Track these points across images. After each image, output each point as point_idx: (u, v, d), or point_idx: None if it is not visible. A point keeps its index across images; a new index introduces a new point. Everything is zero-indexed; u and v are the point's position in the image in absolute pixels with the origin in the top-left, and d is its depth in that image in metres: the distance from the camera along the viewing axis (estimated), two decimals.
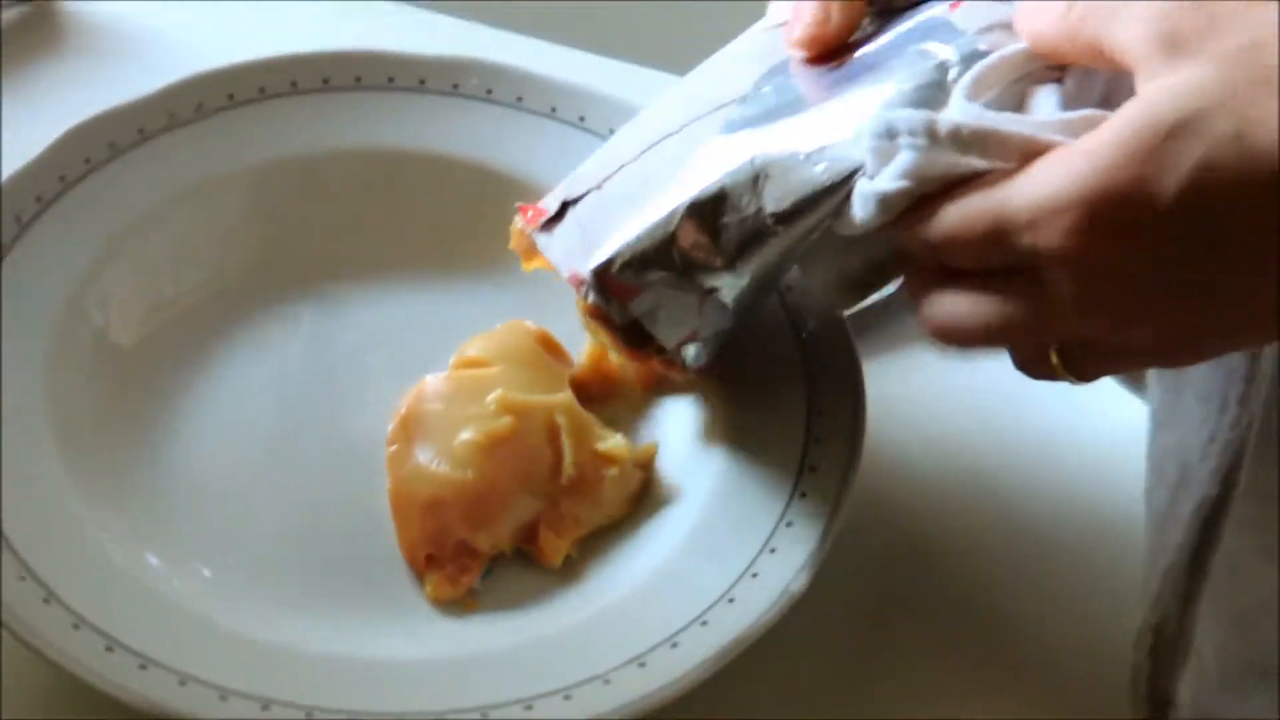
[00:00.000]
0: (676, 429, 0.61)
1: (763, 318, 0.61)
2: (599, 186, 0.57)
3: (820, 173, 0.51)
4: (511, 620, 0.56)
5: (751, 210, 0.52)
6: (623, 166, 0.57)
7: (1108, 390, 0.67)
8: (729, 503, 0.57)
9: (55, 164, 0.62)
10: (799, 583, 0.53)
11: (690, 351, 0.56)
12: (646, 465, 0.59)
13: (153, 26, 0.80)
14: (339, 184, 0.66)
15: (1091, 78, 0.50)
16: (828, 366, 0.60)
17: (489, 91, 0.68)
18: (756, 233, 0.52)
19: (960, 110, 0.48)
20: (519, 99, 0.68)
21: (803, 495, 0.56)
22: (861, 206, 0.49)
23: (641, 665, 0.51)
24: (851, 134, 0.51)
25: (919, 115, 0.47)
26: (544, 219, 0.57)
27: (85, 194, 0.62)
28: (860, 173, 0.50)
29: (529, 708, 0.50)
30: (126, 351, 0.61)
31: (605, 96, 0.68)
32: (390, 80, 0.68)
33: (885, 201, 0.48)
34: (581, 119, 0.67)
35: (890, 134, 0.48)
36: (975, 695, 0.59)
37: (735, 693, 0.56)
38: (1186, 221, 0.41)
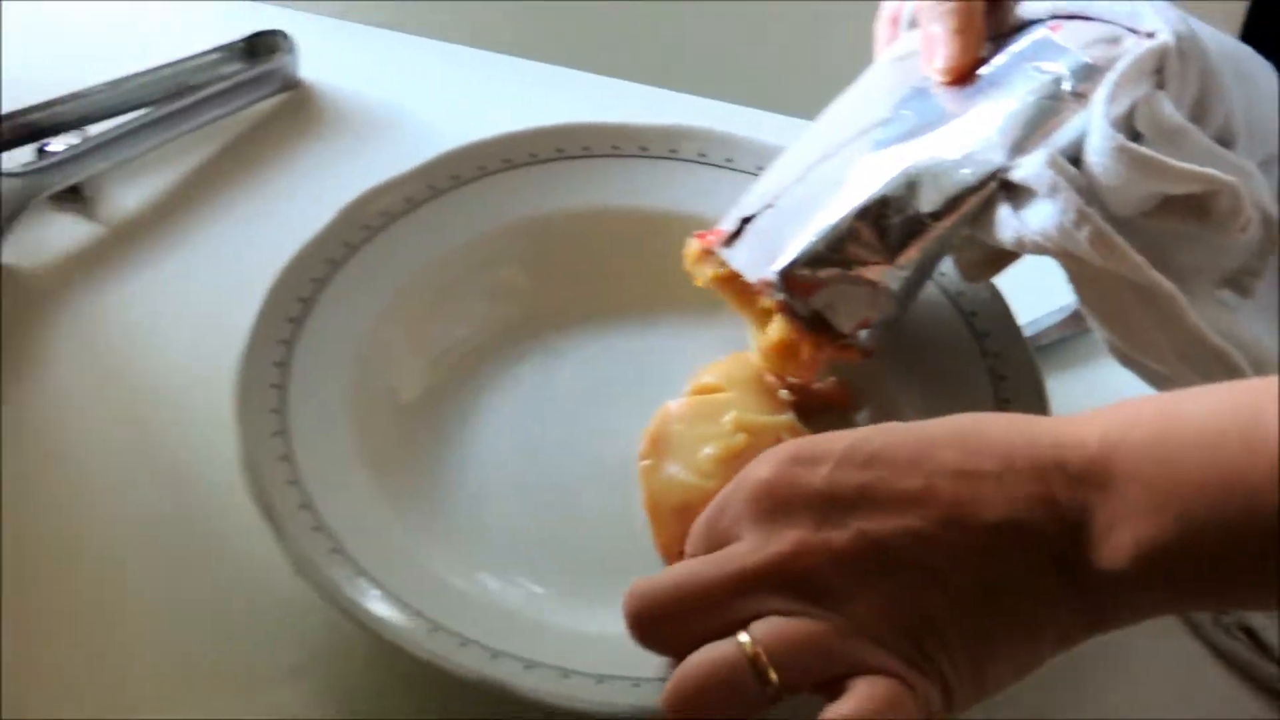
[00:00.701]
0: None
1: (946, 331, 0.71)
2: (773, 205, 0.67)
3: (966, 175, 0.62)
4: None
5: (910, 211, 0.62)
6: (790, 186, 0.67)
7: None
8: None
9: (341, 232, 0.73)
10: None
11: (863, 335, 0.65)
12: None
13: (399, 106, 0.90)
14: (576, 240, 0.76)
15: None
16: (1015, 398, 0.68)
17: (702, 155, 0.78)
18: (915, 230, 0.63)
19: (1107, 137, 0.58)
20: (728, 160, 0.77)
21: None
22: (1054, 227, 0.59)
23: None
24: (989, 139, 0.61)
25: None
26: (725, 236, 0.67)
27: (366, 258, 0.73)
28: (1002, 172, 0.60)
29: None
30: (415, 391, 0.71)
31: None
32: (615, 148, 0.78)
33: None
34: None
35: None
36: None
37: None
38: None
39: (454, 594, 0.62)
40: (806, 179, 0.67)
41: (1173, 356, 0.60)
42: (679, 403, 0.68)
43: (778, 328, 0.66)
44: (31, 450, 0.72)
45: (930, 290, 0.71)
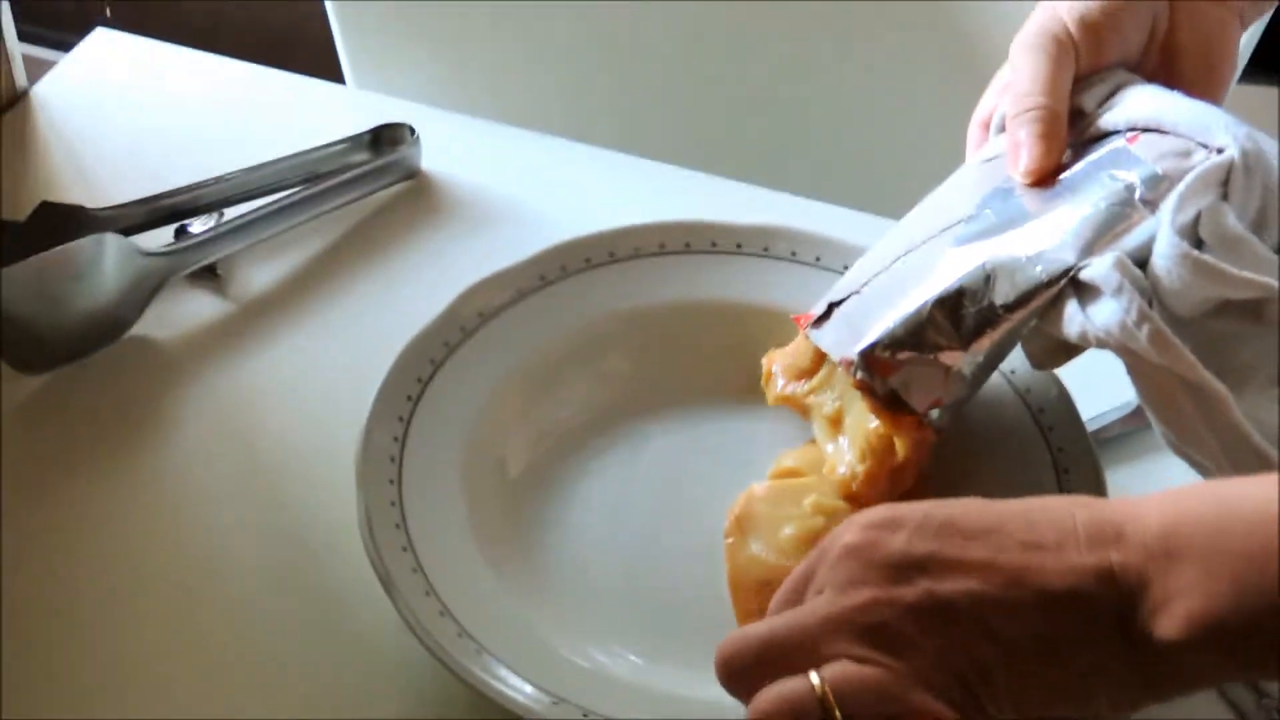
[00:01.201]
0: None
1: (1015, 425, 0.75)
2: (859, 291, 0.72)
3: (1039, 273, 0.66)
4: None
5: (985, 303, 0.67)
6: (876, 275, 0.71)
7: None
8: None
9: (457, 318, 0.79)
10: None
11: (935, 414, 0.69)
12: None
13: (514, 197, 0.96)
14: (672, 330, 0.82)
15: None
16: (1073, 468, 0.73)
17: (793, 253, 0.83)
18: (989, 320, 0.67)
19: (1173, 244, 0.62)
20: (817, 259, 0.83)
21: None
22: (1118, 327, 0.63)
23: None
24: (1062, 240, 0.66)
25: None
26: (814, 318, 0.72)
27: (479, 343, 0.79)
28: (1073, 271, 0.65)
29: None
30: (521, 466, 0.77)
31: None
32: (713, 245, 0.84)
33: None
34: None
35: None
36: None
37: None
38: None
39: (556, 660, 0.68)
40: (892, 269, 0.71)
41: (1218, 452, 0.64)
42: (762, 485, 0.73)
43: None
44: (162, 510, 0.78)
45: (1002, 387, 0.76)
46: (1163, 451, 0.68)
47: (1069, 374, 0.75)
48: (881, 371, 0.69)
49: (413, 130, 0.96)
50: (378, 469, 0.72)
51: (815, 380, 0.76)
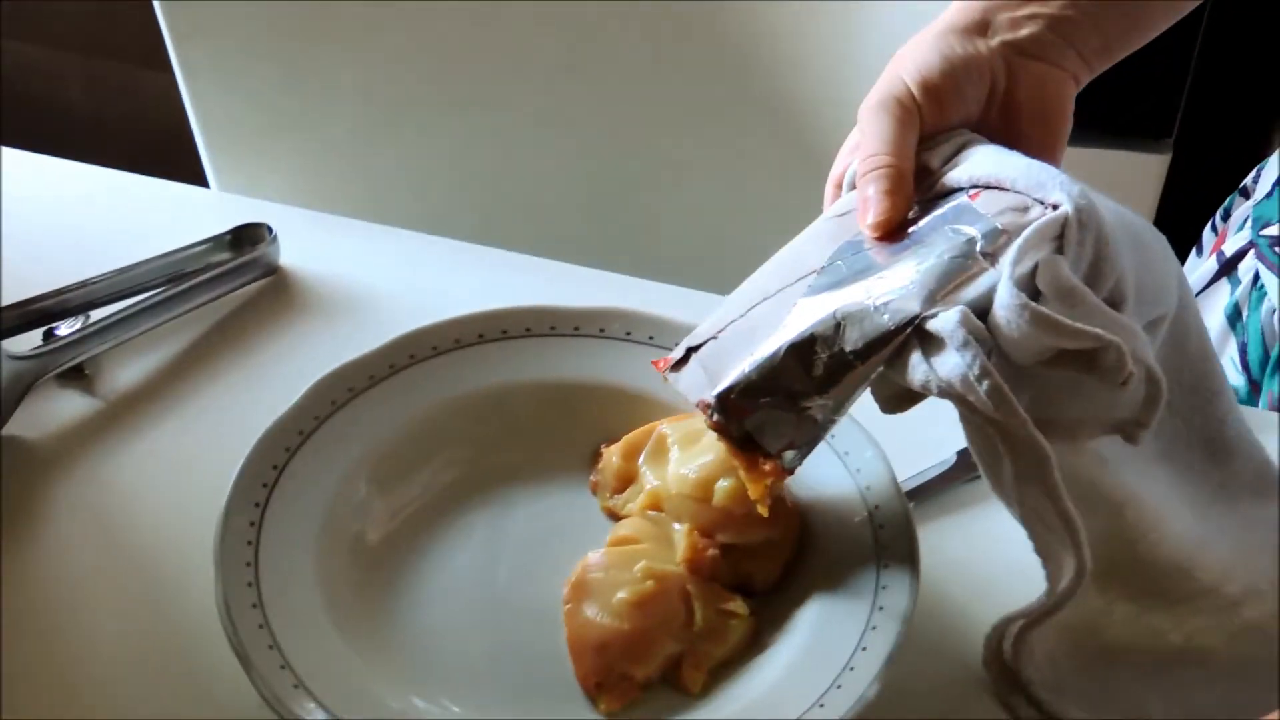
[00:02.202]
0: (783, 583, 0.80)
1: (842, 506, 0.81)
2: (715, 337, 0.74)
3: (886, 320, 0.69)
4: None
5: (836, 349, 0.70)
6: (732, 322, 0.74)
7: None
8: (819, 636, 0.75)
9: (310, 407, 0.83)
10: (872, 691, 0.71)
11: (789, 456, 0.71)
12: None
13: (368, 289, 1.01)
14: (517, 410, 0.87)
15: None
16: (891, 542, 0.78)
17: (628, 333, 0.89)
18: (840, 366, 0.70)
19: (1012, 295, 0.66)
20: (650, 338, 0.88)
21: (874, 628, 0.74)
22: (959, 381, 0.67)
23: None
24: (907, 290, 0.69)
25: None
26: (673, 362, 0.75)
27: (332, 429, 0.83)
28: (918, 319, 0.68)
29: None
30: (373, 544, 0.81)
31: None
32: (552, 328, 0.89)
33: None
34: None
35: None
36: None
37: None
38: None
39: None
40: (748, 316, 0.74)
41: (1026, 507, 0.69)
42: (598, 553, 0.78)
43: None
44: (34, 603, 0.82)
45: (826, 451, 0.82)
46: (984, 503, 0.73)
47: (891, 435, 0.81)
48: (737, 414, 0.71)
49: (270, 229, 1.01)
50: (235, 552, 0.76)
51: (626, 494, 0.83)
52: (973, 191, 0.74)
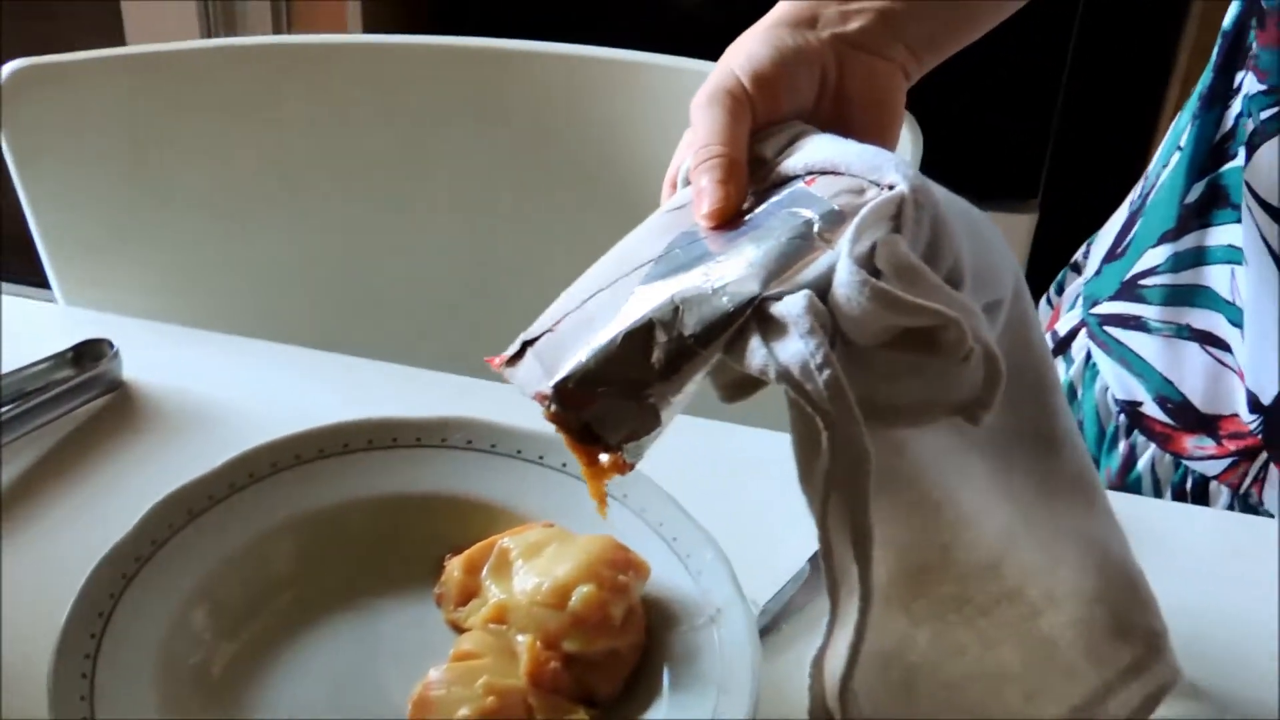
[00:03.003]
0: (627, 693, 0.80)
1: (683, 610, 0.81)
2: (551, 329, 0.72)
3: (725, 303, 0.67)
4: None
5: (675, 334, 0.67)
6: (568, 314, 0.72)
7: None
8: None
9: (148, 531, 0.82)
10: None
11: (630, 448, 0.68)
12: None
13: (213, 400, 1.00)
14: (359, 526, 0.86)
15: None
16: (732, 648, 0.78)
17: (469, 442, 0.89)
18: (679, 352, 0.67)
19: (851, 272, 0.65)
20: (493, 445, 0.89)
21: None
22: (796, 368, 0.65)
23: None
24: (746, 272, 0.67)
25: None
26: (508, 357, 0.72)
27: (170, 554, 0.82)
28: (757, 300, 0.66)
29: None
30: (213, 670, 0.80)
31: (558, 438, 0.87)
32: (394, 440, 0.89)
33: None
34: (541, 457, 0.88)
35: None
36: None
37: None
38: None
39: None
40: (584, 307, 0.72)
41: (829, 508, 0.66)
42: (439, 670, 0.78)
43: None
44: None
45: (665, 552, 0.82)
46: None
47: (741, 550, 0.82)
48: (575, 405, 0.68)
49: (112, 345, 1.01)
50: (69, 688, 0.75)
51: (469, 606, 0.82)
52: (809, 178, 0.73)
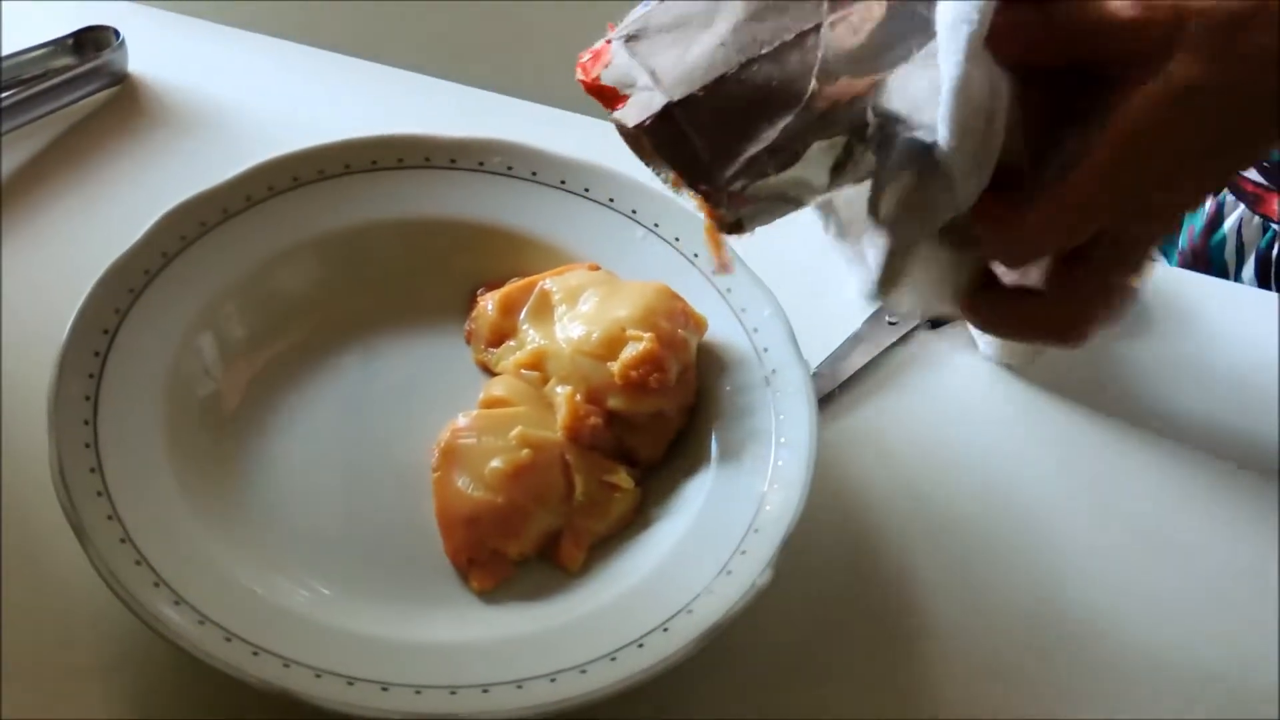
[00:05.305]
0: (671, 456, 0.74)
1: (735, 368, 0.75)
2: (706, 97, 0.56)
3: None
4: (537, 609, 0.68)
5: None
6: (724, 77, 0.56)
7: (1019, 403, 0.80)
8: (708, 515, 0.70)
9: (157, 242, 0.75)
10: (764, 577, 0.66)
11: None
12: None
13: (228, 102, 0.92)
14: (385, 250, 0.79)
15: None
16: (788, 410, 0.73)
17: (510, 168, 0.81)
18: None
19: None
20: (534, 173, 0.81)
21: (768, 508, 0.69)
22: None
23: (640, 646, 0.64)
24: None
25: None
26: (646, 121, 0.56)
27: (181, 268, 0.75)
28: None
29: (553, 680, 0.63)
30: (224, 401, 0.74)
31: (608, 170, 0.81)
32: (427, 160, 0.81)
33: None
34: (586, 190, 0.81)
35: None
36: (916, 691, 0.70)
37: (709, 683, 0.68)
38: None
39: (249, 600, 0.65)
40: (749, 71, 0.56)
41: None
42: (468, 416, 0.72)
43: None
44: None
45: (736, 328, 0.76)
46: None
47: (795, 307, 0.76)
48: (735, 205, 0.57)
49: (118, 33, 0.92)
50: (71, 409, 0.69)
51: (502, 349, 0.76)
52: None
